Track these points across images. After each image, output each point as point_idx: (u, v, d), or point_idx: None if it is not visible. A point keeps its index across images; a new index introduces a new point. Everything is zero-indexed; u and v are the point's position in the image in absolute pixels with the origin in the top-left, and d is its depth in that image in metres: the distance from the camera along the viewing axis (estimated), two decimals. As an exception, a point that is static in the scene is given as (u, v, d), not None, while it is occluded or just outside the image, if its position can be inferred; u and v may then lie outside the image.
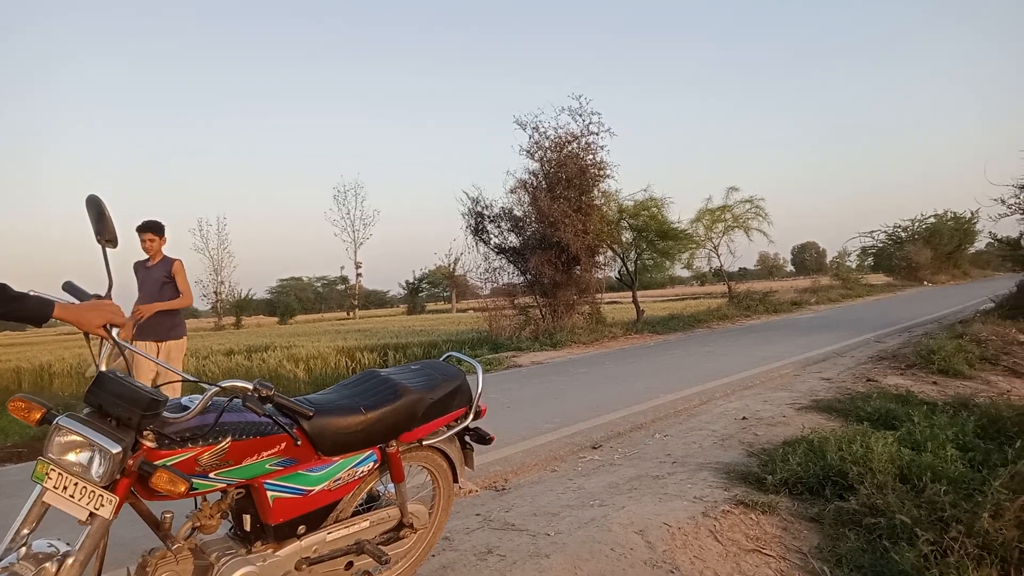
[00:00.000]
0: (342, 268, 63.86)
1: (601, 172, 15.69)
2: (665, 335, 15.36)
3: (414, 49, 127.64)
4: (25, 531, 1.77)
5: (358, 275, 56.53)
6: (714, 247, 24.32)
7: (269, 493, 2.15)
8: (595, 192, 15.95)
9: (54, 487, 1.77)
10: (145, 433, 1.86)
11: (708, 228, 23.60)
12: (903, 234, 40.80)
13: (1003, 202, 12.74)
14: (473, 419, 2.78)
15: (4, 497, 4.46)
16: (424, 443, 2.61)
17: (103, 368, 1.94)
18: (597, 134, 15.50)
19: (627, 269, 19.86)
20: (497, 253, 16.45)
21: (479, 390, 2.79)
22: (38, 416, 1.86)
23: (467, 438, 2.87)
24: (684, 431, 5.52)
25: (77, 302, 2.00)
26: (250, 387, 1.95)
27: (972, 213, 35.22)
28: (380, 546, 2.52)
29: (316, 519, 2.31)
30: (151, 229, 5.80)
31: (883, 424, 5.16)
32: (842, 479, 3.81)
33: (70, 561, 1.75)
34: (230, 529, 2.32)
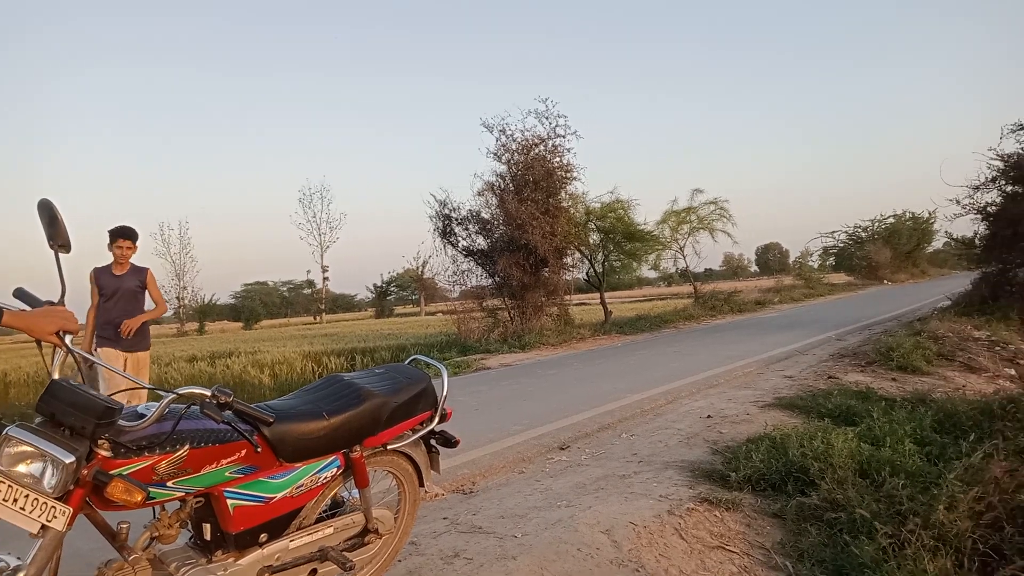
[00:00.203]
0: (308, 272, 63.02)
1: (568, 174, 15.80)
2: (633, 336, 15.49)
3: (380, 50, 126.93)
4: (-28, 547, 1.72)
5: (325, 279, 56.04)
6: (680, 248, 24.62)
7: (229, 501, 2.12)
8: (562, 194, 16.05)
9: (3, 499, 1.72)
10: (100, 442, 1.82)
11: (674, 229, 23.87)
12: (863, 234, 41.70)
13: (958, 202, 13.12)
14: (439, 422, 2.78)
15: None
16: (389, 447, 2.59)
17: (56, 376, 1.90)
18: (563, 136, 15.63)
19: (595, 270, 19.99)
20: (465, 256, 16.45)
21: (444, 393, 2.78)
22: None
23: (433, 441, 2.86)
24: (650, 430, 5.57)
25: (29, 309, 1.96)
26: (208, 393, 1.92)
27: (930, 213, 36.25)
28: (345, 552, 2.49)
29: (278, 526, 2.29)
30: (128, 236, 5.55)
31: (844, 420, 5.28)
32: (804, 475, 3.89)
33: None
34: (190, 538, 2.28)
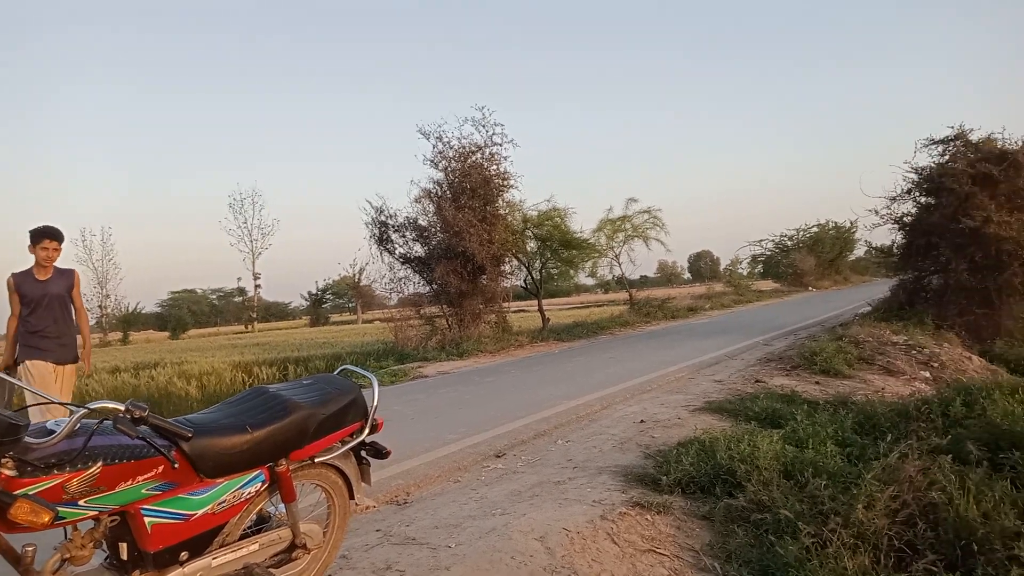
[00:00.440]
0: (239, 279, 61.45)
1: (505, 182, 15.84)
2: (570, 342, 15.63)
3: (309, 55, 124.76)
4: None
5: (257, 286, 54.67)
6: (615, 256, 25.04)
7: (147, 519, 2.04)
8: (500, 202, 16.07)
9: None
10: (3, 460, 1.73)
11: (609, 237, 24.27)
12: (789, 242, 43.25)
13: (876, 213, 13.75)
14: (369, 433, 2.73)
15: None
16: (316, 460, 2.54)
17: None
18: (500, 145, 15.66)
19: (532, 278, 20.11)
20: (402, 263, 16.29)
21: (375, 403, 2.74)
22: None
23: (363, 453, 2.81)
24: (586, 436, 5.63)
25: None
26: (122, 408, 1.84)
27: (851, 223, 37.76)
28: (271, 569, 2.43)
29: (200, 544, 2.20)
30: (53, 236, 5.01)
31: (770, 423, 5.45)
32: (731, 477, 3.99)
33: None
34: (105, 559, 2.17)
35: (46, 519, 1.72)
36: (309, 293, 60.52)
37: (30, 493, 1.74)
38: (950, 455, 3.98)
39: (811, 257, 40.38)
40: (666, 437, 5.31)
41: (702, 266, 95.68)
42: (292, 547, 2.52)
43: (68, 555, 1.96)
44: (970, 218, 11.59)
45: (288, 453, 2.39)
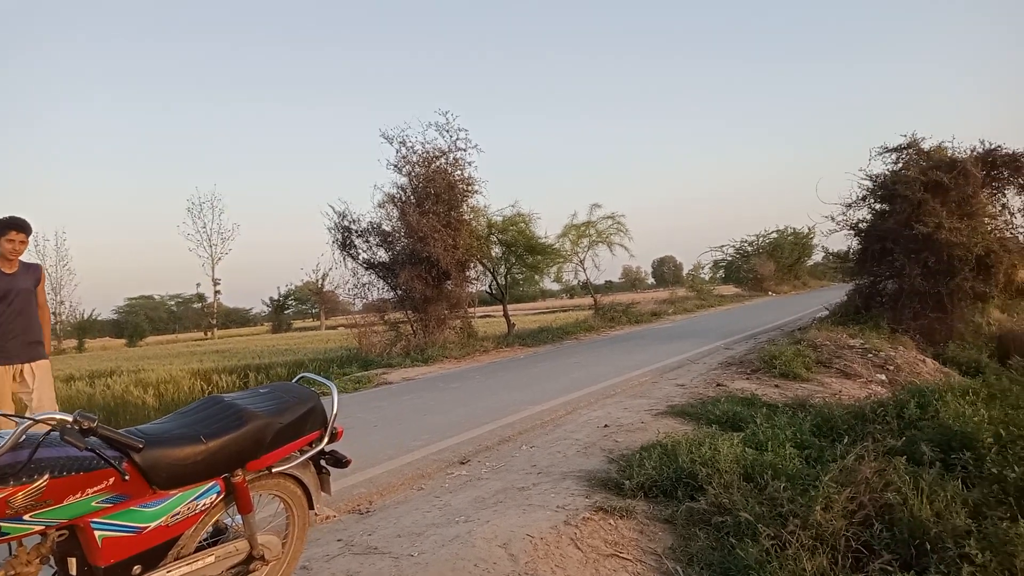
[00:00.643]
0: (198, 285, 60.09)
1: (469, 187, 15.83)
2: (535, 347, 15.65)
3: (270, 60, 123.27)
4: None
5: (216, 292, 53.68)
6: (580, 261, 25.18)
7: (97, 533, 1.97)
8: (464, 207, 16.06)
9: None
10: None
11: (574, 243, 24.41)
12: (749, 248, 44.00)
13: (832, 219, 14.04)
14: (329, 442, 2.69)
15: None
16: (274, 470, 2.49)
17: None
18: (464, 150, 15.66)
19: (497, 283, 20.11)
20: (366, 268, 16.16)
21: (334, 411, 2.69)
22: None
23: (323, 462, 2.77)
24: (550, 441, 5.63)
25: None
26: (69, 419, 1.78)
27: (809, 229, 38.54)
28: (228, 582, 2.37)
29: (153, 558, 2.14)
30: (21, 227, 4.74)
31: (731, 426, 5.52)
32: (693, 480, 4.03)
33: None
34: (53, 574, 2.10)
35: (-13, 535, 1.66)
36: (271, 299, 59.68)
37: None
38: (905, 456, 4.07)
39: (771, 262, 41.12)
40: (629, 441, 5.34)
41: (665, 271, 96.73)
42: (250, 559, 2.46)
43: (13, 572, 1.89)
44: (923, 224, 11.91)
45: (244, 463, 2.34)
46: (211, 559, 2.32)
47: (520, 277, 21.54)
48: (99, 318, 51.47)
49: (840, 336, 10.94)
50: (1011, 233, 13.05)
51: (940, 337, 12.40)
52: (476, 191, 16.07)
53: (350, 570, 3.13)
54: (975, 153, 12.85)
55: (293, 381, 2.85)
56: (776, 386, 7.92)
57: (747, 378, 8.41)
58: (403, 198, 15.53)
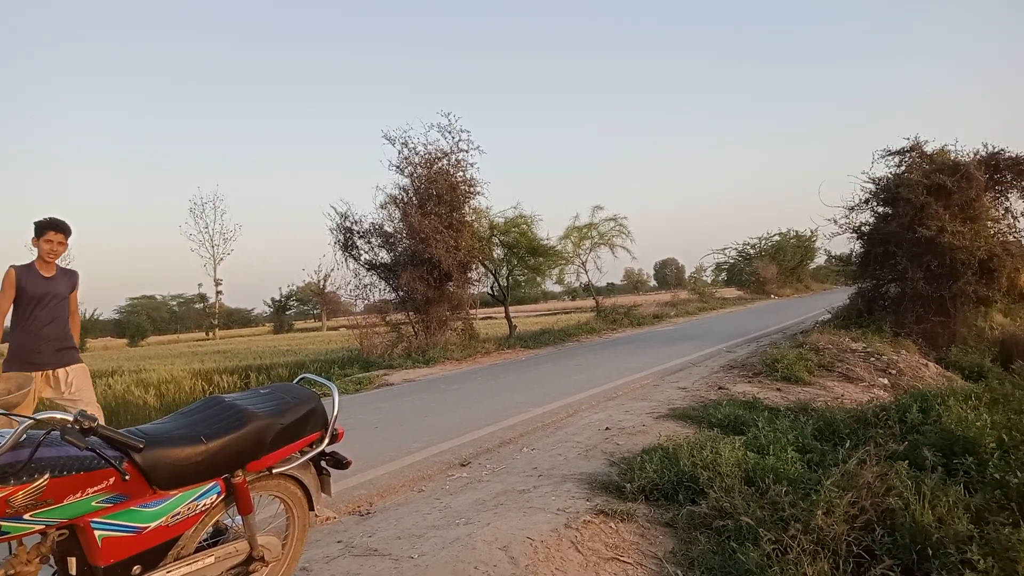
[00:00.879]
0: (200, 285, 60.17)
1: (471, 189, 15.82)
2: (536, 349, 15.65)
3: (273, 62, 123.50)
4: None
5: (218, 292, 53.66)
6: (582, 263, 25.14)
7: (97, 532, 1.97)
8: (466, 209, 16.05)
9: None
10: None
11: (576, 245, 24.34)
12: (751, 251, 43.98)
13: (835, 222, 14.01)
14: (329, 443, 2.68)
15: None
16: (274, 471, 2.48)
17: None
18: (467, 151, 15.64)
19: (499, 285, 20.11)
20: (368, 269, 16.15)
21: (335, 412, 2.69)
22: None
23: (323, 463, 2.76)
24: (551, 444, 5.62)
25: None
26: (70, 419, 1.78)
27: (811, 232, 38.50)
28: (227, 583, 2.37)
29: (153, 558, 2.14)
30: (59, 228, 4.52)
31: (732, 430, 5.50)
32: (694, 484, 4.01)
33: None
34: (53, 574, 2.10)
35: (-13, 534, 1.66)
36: (272, 299, 59.75)
37: None
38: (907, 461, 4.06)
39: (773, 265, 41.11)
40: (631, 444, 5.32)
41: (668, 274, 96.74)
42: (250, 560, 2.46)
43: (13, 571, 1.89)
44: (925, 228, 11.89)
45: (245, 464, 2.33)
46: (211, 560, 2.31)
47: (522, 279, 21.56)
48: (101, 318, 51.62)
49: (842, 340, 10.92)
50: (1014, 237, 13.01)
51: (943, 341, 12.37)
52: (478, 192, 16.08)
53: (350, 571, 3.12)
54: (978, 156, 12.82)
55: (294, 382, 2.84)
56: (778, 389, 7.90)
57: (749, 381, 8.39)
58: (405, 199, 15.52)
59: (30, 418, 1.84)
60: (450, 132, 15.51)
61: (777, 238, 43.52)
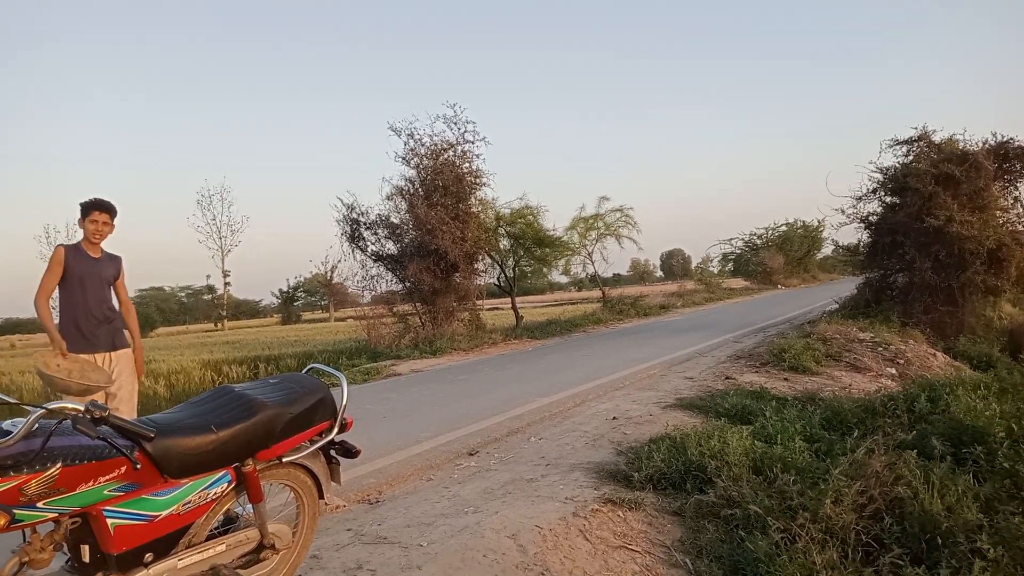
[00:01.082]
0: (208, 277, 60.47)
1: (477, 180, 15.79)
2: (543, 340, 15.66)
3: (279, 53, 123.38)
4: None
5: (226, 284, 53.91)
6: (588, 254, 25.12)
7: (109, 520, 1.98)
8: (472, 200, 16.02)
9: None
10: None
11: (582, 236, 24.33)
12: (758, 241, 43.78)
13: (843, 212, 13.95)
14: (339, 432, 2.69)
15: None
16: (284, 460, 2.49)
17: None
18: (472, 143, 15.60)
19: (506, 276, 20.11)
20: (375, 261, 16.17)
21: (344, 402, 2.70)
22: None
23: (333, 452, 2.77)
24: (558, 433, 5.63)
25: None
26: (81, 408, 1.79)
27: (819, 222, 38.30)
28: (239, 570, 2.39)
29: (165, 545, 2.16)
30: (106, 208, 4.39)
31: (739, 419, 5.50)
32: (702, 473, 4.02)
33: None
34: (67, 562, 2.11)
35: (2, 522, 1.67)
36: (280, 291, 59.94)
37: None
38: (915, 450, 4.05)
39: (780, 255, 40.92)
40: (638, 434, 5.33)
41: (674, 264, 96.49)
42: (260, 547, 2.47)
43: (27, 558, 1.90)
44: (934, 217, 11.82)
45: (255, 453, 2.34)
46: (222, 547, 2.33)
47: (528, 270, 21.55)
48: (109, 310, 51.73)
49: (850, 330, 10.88)
50: (1023, 226, 12.93)
51: (951, 331, 12.33)
52: (484, 184, 16.04)
53: (360, 559, 3.14)
54: (987, 146, 12.73)
55: (303, 372, 2.85)
56: (785, 379, 7.89)
57: (756, 371, 8.38)
58: (411, 190, 15.50)
59: (41, 407, 1.85)
60: (456, 123, 15.48)
61: (784, 228, 43.32)
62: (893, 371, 9.01)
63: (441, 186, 15.10)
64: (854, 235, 15.36)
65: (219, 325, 53.75)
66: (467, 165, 15.60)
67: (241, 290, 72.34)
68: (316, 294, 62.84)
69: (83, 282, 4.40)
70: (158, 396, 12.45)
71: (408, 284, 15.77)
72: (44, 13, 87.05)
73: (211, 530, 2.35)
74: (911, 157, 13.17)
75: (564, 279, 30.39)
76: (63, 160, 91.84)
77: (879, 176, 13.43)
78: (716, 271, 46.79)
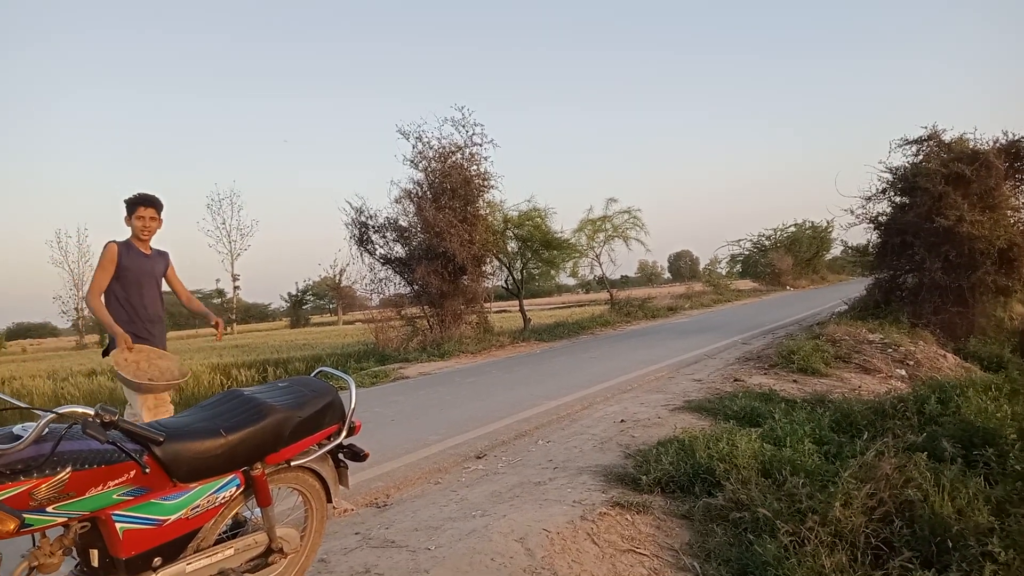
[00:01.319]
0: (218, 281, 60.71)
1: (485, 183, 15.80)
2: (551, 342, 15.64)
3: (289, 55, 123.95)
4: None
5: (235, 288, 54.12)
6: (596, 256, 25.08)
7: (118, 525, 1.99)
8: (480, 202, 16.03)
9: None
10: None
11: (590, 238, 24.27)
12: (767, 242, 43.64)
13: (852, 212, 13.90)
14: (347, 436, 2.70)
15: None
16: (293, 464, 2.50)
17: None
18: (480, 145, 15.62)
19: (513, 278, 20.10)
20: (383, 264, 16.20)
21: (352, 405, 2.71)
22: None
23: (341, 456, 2.78)
24: (566, 436, 5.63)
25: None
26: (91, 412, 1.80)
27: (828, 222, 38.17)
28: (247, 574, 2.40)
29: (174, 550, 2.17)
30: (150, 203, 4.25)
31: (748, 422, 5.48)
32: (710, 476, 4.01)
33: None
34: (75, 566, 2.13)
35: (11, 527, 1.68)
36: (289, 294, 60.14)
37: None
38: (925, 452, 4.03)
39: (789, 257, 40.78)
40: (646, 436, 5.32)
41: (682, 266, 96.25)
42: (268, 551, 2.48)
43: (36, 563, 1.91)
44: (944, 217, 11.75)
45: (263, 457, 2.35)
46: (231, 551, 2.34)
47: (536, 272, 21.53)
48: (120, 313, 52.03)
49: (859, 331, 10.83)
50: (1035, 226, 12.83)
51: (961, 332, 12.24)
52: (492, 186, 16.04)
53: (368, 563, 3.15)
54: (998, 145, 12.64)
55: (311, 375, 2.86)
56: (794, 381, 7.86)
57: (765, 373, 8.35)
58: (419, 193, 15.53)
59: (51, 412, 1.87)
60: (464, 126, 15.50)
61: (793, 229, 43.16)
62: (903, 372, 8.96)
63: (449, 189, 15.13)
64: (863, 236, 15.34)
65: (228, 329, 53.96)
66: (475, 168, 15.62)
67: (250, 294, 72.70)
68: (325, 297, 62.97)
69: (139, 280, 4.29)
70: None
71: (416, 287, 15.79)
72: (53, 10, 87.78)
73: (220, 534, 2.36)
74: (921, 157, 13.11)
75: (572, 281, 30.37)
76: (70, 162, 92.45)
77: (888, 176, 13.37)
78: (724, 273, 46.71)
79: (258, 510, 2.46)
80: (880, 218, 13.72)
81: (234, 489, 2.29)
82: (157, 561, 2.11)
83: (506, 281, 20.20)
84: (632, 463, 4.54)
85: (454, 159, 15.48)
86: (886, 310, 12.93)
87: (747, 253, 44.77)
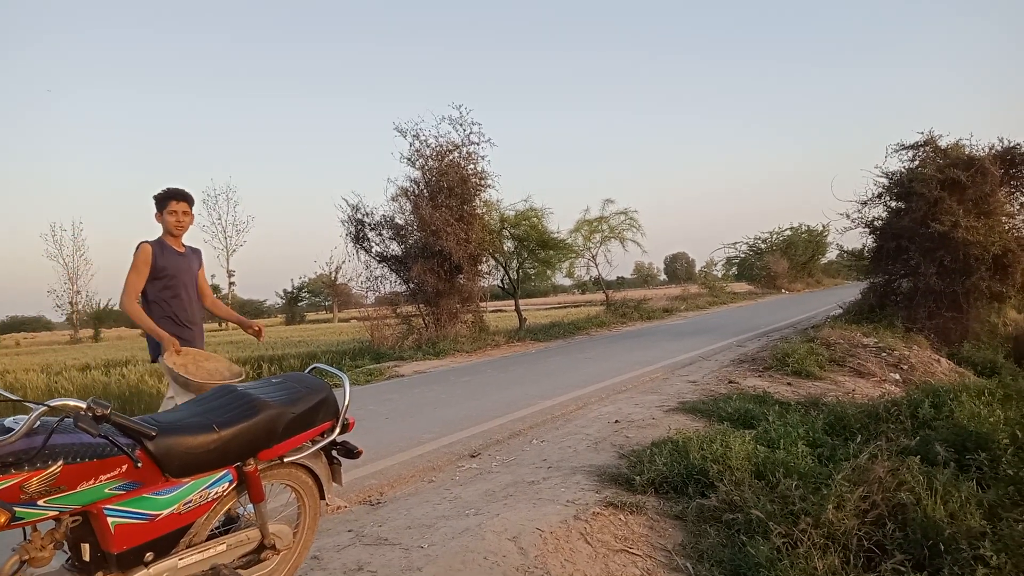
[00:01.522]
0: (213, 276, 60.41)
1: (482, 181, 15.78)
2: (546, 342, 15.64)
3: (283, 54, 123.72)
4: None
5: (231, 284, 54.00)
6: (592, 256, 25.07)
7: (110, 519, 1.98)
8: (477, 201, 16.01)
9: None
10: None
11: (586, 238, 24.26)
12: (763, 245, 43.68)
13: (848, 216, 13.92)
14: (340, 433, 2.69)
15: None
16: (286, 460, 2.49)
17: None
18: (478, 144, 15.59)
19: (509, 278, 20.09)
20: (379, 262, 16.17)
21: (346, 402, 2.70)
22: None
23: (334, 453, 2.77)
24: (560, 436, 5.63)
25: None
26: (83, 406, 1.79)
27: (823, 226, 38.21)
28: (239, 570, 2.39)
29: (165, 545, 2.16)
30: (181, 197, 3.98)
31: (742, 423, 5.49)
32: (704, 477, 4.01)
33: None
34: (67, 561, 2.12)
35: (2, 520, 1.68)
36: (284, 291, 59.94)
37: None
38: (918, 456, 4.04)
39: (784, 260, 40.82)
40: (640, 437, 5.32)
41: (678, 267, 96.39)
42: (261, 548, 2.47)
43: (27, 556, 1.90)
44: (939, 223, 11.78)
45: (256, 452, 2.34)
46: (223, 547, 2.33)
47: (532, 272, 21.49)
48: (115, 308, 51.84)
49: (854, 335, 10.86)
50: (1030, 232, 12.88)
51: (955, 337, 12.29)
52: (489, 185, 16.01)
53: (360, 560, 3.14)
54: (993, 151, 12.67)
55: (306, 372, 2.85)
56: (789, 384, 7.88)
57: (759, 376, 8.37)
58: (416, 192, 15.51)
59: (43, 405, 1.86)
60: (461, 124, 15.48)
61: (788, 232, 43.21)
62: (897, 376, 8.99)
63: (446, 187, 15.11)
64: (859, 240, 15.33)
65: (223, 325, 53.79)
66: (472, 166, 15.60)
67: (245, 290, 72.31)
68: (320, 295, 62.84)
69: (175, 279, 4.01)
70: (161, 395, 12.43)
71: (412, 285, 15.77)
72: (51, 9, 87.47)
73: (212, 530, 2.36)
74: (917, 162, 13.13)
75: (568, 282, 30.37)
76: (66, 158, 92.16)
77: (884, 181, 13.39)
78: (720, 275, 46.70)
79: (251, 506, 2.45)
80: (876, 222, 13.74)
81: (227, 485, 2.28)
82: (149, 556, 2.10)
83: (502, 281, 20.19)
84: (626, 463, 4.54)
85: (451, 157, 15.47)
86: (881, 314, 12.96)
87: (743, 256, 44.84)
